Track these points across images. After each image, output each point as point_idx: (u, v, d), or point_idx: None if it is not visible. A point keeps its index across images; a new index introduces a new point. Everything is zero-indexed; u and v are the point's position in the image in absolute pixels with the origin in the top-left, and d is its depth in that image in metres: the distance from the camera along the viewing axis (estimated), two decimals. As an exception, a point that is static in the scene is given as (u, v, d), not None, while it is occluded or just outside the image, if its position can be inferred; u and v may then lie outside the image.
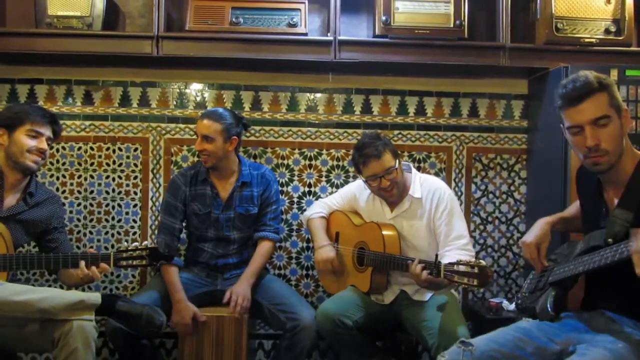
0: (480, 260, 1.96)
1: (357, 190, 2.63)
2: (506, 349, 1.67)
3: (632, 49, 2.74)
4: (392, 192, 2.39)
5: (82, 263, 2.11)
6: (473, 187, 3.05)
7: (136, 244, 2.18)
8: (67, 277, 2.26)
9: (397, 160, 2.37)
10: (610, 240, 1.53)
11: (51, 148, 2.38)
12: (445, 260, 2.13)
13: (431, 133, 3.04)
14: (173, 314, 2.42)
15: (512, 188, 3.06)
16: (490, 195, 3.06)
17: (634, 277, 1.37)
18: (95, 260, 2.14)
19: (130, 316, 2.14)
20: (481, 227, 3.06)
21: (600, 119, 1.62)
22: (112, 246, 2.95)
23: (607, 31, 2.72)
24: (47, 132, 2.25)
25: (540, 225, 1.90)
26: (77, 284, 2.17)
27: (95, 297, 2.05)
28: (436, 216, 2.38)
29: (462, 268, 1.97)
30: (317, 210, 2.69)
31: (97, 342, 2.04)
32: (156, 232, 2.94)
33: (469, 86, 3.05)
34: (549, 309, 1.72)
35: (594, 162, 1.66)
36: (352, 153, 2.44)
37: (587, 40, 2.71)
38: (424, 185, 2.45)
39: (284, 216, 3.00)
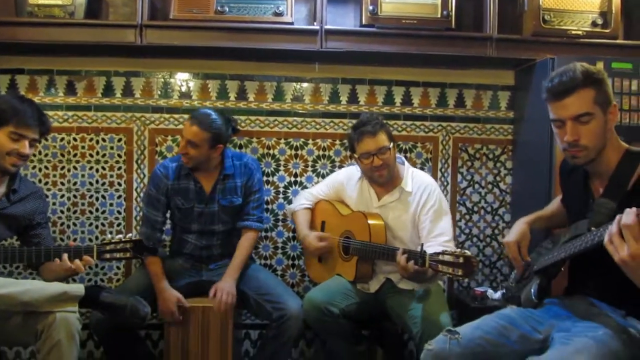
0: (465, 251, 1.97)
1: (344, 178, 2.63)
2: (491, 337, 1.68)
3: (618, 41, 2.75)
4: (383, 173, 2.40)
5: (65, 256, 2.07)
6: (459, 177, 3.06)
7: (120, 236, 2.15)
8: (49, 272, 2.21)
9: (392, 143, 2.39)
10: (593, 228, 1.54)
11: (39, 142, 2.29)
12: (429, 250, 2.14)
13: (417, 123, 3.04)
14: (158, 302, 2.41)
15: (498, 178, 3.08)
16: (476, 186, 3.07)
17: (613, 263, 1.39)
18: (79, 253, 2.10)
19: (115, 307, 2.12)
20: (467, 217, 3.07)
21: (582, 115, 1.63)
22: (97, 238, 2.92)
23: (594, 24, 2.73)
24: (32, 134, 2.12)
25: (519, 226, 1.95)
26: (60, 278, 2.13)
27: (78, 288, 2.03)
28: (422, 212, 2.39)
29: (447, 258, 1.98)
30: (301, 202, 2.69)
31: (81, 334, 2.02)
32: (141, 223, 2.92)
33: (456, 77, 3.05)
34: (533, 297, 1.74)
35: (572, 155, 1.68)
36: (349, 132, 2.47)
37: (574, 32, 2.72)
38: (415, 180, 2.46)
39: (269, 206, 2.99)
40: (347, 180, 2.61)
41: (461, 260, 1.95)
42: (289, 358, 2.80)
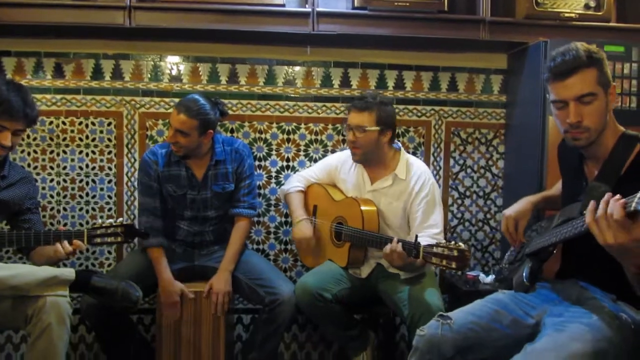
0: (460, 244, 1.94)
1: (337, 162, 2.62)
2: (483, 322, 1.69)
3: (611, 24, 2.74)
4: (356, 152, 2.40)
5: (58, 244, 2.05)
6: (451, 161, 3.06)
7: (110, 220, 2.13)
8: (39, 256, 2.19)
9: (379, 127, 2.36)
10: (585, 212, 1.54)
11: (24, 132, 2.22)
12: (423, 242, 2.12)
13: (410, 107, 3.02)
14: (160, 293, 2.40)
15: (490, 163, 3.07)
16: (469, 170, 3.07)
17: (604, 252, 1.39)
18: (69, 238, 2.08)
19: (106, 291, 2.11)
20: (459, 201, 3.07)
21: (586, 96, 1.61)
22: (87, 222, 2.89)
23: (586, 6, 2.72)
24: (15, 125, 2.05)
25: (523, 203, 1.94)
26: (51, 263, 2.12)
27: (69, 272, 2.02)
28: (415, 201, 2.37)
29: (441, 250, 1.96)
30: (294, 184, 2.68)
31: (72, 318, 2.01)
32: (132, 207, 2.90)
33: (449, 60, 3.03)
34: (525, 280, 1.74)
35: (574, 137, 1.66)
36: None
37: (566, 15, 2.70)
38: (411, 168, 2.43)
39: (262, 191, 2.97)
40: (341, 164, 2.60)
41: (455, 253, 1.93)
42: (282, 342, 2.81)
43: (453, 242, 1.96)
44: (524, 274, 1.75)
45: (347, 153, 2.61)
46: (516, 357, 1.53)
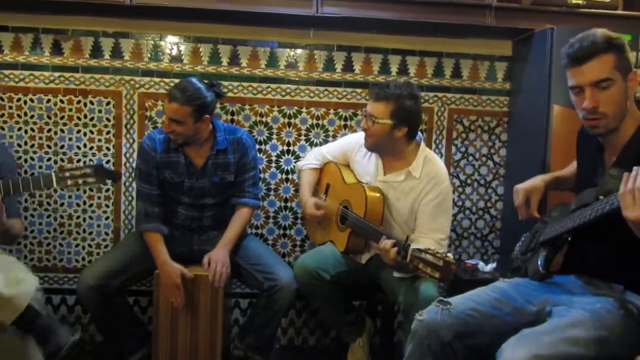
0: (448, 254, 1.89)
1: (356, 143, 2.52)
2: (484, 309, 1.68)
3: (618, 12, 2.70)
4: (367, 139, 2.34)
5: None
6: (453, 149, 3.03)
7: (80, 163, 2.04)
8: None
9: (392, 122, 2.25)
10: (601, 197, 1.51)
11: None
12: (415, 244, 2.06)
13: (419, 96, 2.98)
14: (160, 276, 2.37)
15: (492, 151, 3.05)
16: (470, 158, 3.05)
17: (613, 238, 1.37)
18: (36, 182, 2.01)
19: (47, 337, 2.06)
20: (460, 189, 3.05)
21: (602, 81, 1.59)
22: (84, 202, 2.87)
23: (594, -7, 2.68)
24: None
25: (535, 180, 1.93)
26: None
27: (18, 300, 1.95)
28: (423, 202, 2.29)
29: (428, 257, 1.90)
30: (311, 160, 2.65)
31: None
32: (130, 189, 2.87)
33: (453, 46, 2.99)
34: (540, 268, 1.72)
35: (591, 125, 1.64)
36: None
37: (573, 1, 2.66)
38: (426, 167, 2.32)
39: (262, 175, 2.94)
40: (358, 146, 2.50)
41: (441, 263, 1.86)
42: (279, 327, 2.80)
43: (442, 252, 1.91)
44: (540, 262, 1.73)
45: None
46: (512, 339, 1.51)
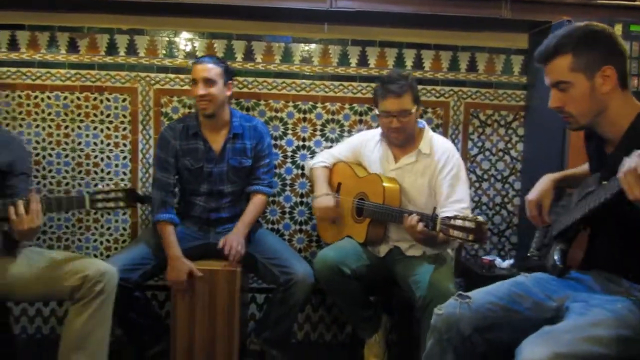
0: (478, 216, 1.92)
1: (363, 140, 2.59)
2: (503, 303, 1.66)
3: (637, 3, 2.65)
4: (399, 136, 2.37)
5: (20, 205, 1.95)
6: (470, 143, 3.01)
7: (112, 185, 2.09)
8: None
9: (417, 107, 2.35)
10: (605, 182, 1.49)
11: None
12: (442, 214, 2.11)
13: (428, 87, 2.96)
14: (169, 270, 2.39)
15: (509, 145, 3.02)
16: (487, 153, 3.02)
17: (632, 237, 1.34)
18: (71, 204, 2.05)
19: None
20: (477, 184, 3.03)
21: (559, 83, 1.58)
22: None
23: (612, -16, 2.64)
24: None
25: (544, 182, 1.89)
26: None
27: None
28: (440, 177, 2.35)
29: (458, 222, 1.94)
30: (320, 159, 2.67)
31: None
32: (146, 184, 2.89)
33: (469, 39, 2.96)
34: (558, 263, 1.70)
35: (565, 121, 1.65)
36: (376, 85, 2.43)
37: (591, -7, 2.63)
38: (435, 144, 2.41)
39: (277, 170, 2.94)
40: (366, 142, 2.57)
41: (473, 225, 1.90)
42: (295, 322, 2.81)
43: (471, 215, 1.94)
44: (556, 257, 1.71)
45: (372, 132, 2.60)
46: (532, 336, 1.49)
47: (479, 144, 3.01)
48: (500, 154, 3.03)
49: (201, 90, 2.41)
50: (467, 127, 3.00)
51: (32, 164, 2.43)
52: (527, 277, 1.79)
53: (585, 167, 1.96)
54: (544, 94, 2.74)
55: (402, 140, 2.40)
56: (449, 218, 1.98)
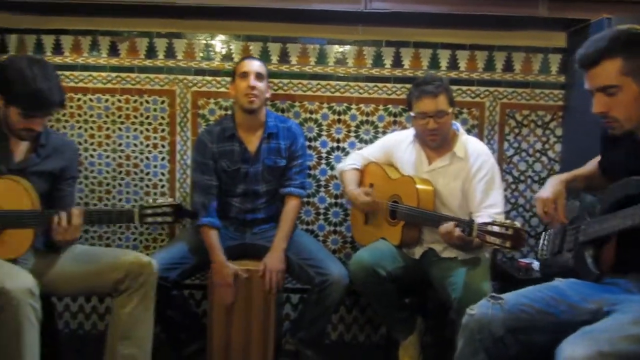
0: (515, 222, 1.89)
1: (395, 141, 2.59)
2: (537, 305, 1.64)
3: (681, -1, 2.59)
4: (436, 138, 2.36)
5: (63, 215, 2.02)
6: (506, 144, 2.97)
7: (160, 200, 2.13)
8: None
9: (452, 108, 2.35)
10: None
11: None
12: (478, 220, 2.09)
13: (464, 88, 2.94)
14: (213, 274, 2.43)
15: (547, 146, 2.97)
16: (523, 154, 2.98)
17: None
18: (119, 217, 2.13)
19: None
20: (513, 186, 2.99)
21: (608, 87, 1.55)
22: (141, 198, 2.95)
23: (654, -20, 2.57)
24: (48, 115, 2.07)
25: (554, 183, 1.84)
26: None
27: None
28: (474, 181, 2.32)
29: (495, 229, 1.92)
30: (350, 162, 2.67)
31: None
32: (184, 185, 2.95)
33: (505, 39, 2.93)
34: (593, 269, 1.67)
35: (607, 126, 1.62)
36: (410, 88, 2.43)
37: (632, -10, 2.57)
38: (470, 147, 2.38)
39: (311, 172, 2.96)
40: (398, 143, 2.57)
41: (510, 231, 1.88)
42: (329, 323, 2.82)
43: (508, 221, 1.91)
44: (589, 262, 1.68)
45: (405, 133, 2.59)
46: (572, 336, 1.47)
47: (515, 144, 2.97)
48: (538, 154, 2.98)
49: (253, 81, 2.46)
50: (503, 127, 2.96)
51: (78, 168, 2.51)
52: (562, 281, 1.76)
53: (590, 167, 1.93)
54: (583, 94, 2.70)
55: (438, 142, 2.38)
56: (486, 224, 1.96)
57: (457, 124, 2.47)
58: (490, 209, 2.27)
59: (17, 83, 1.94)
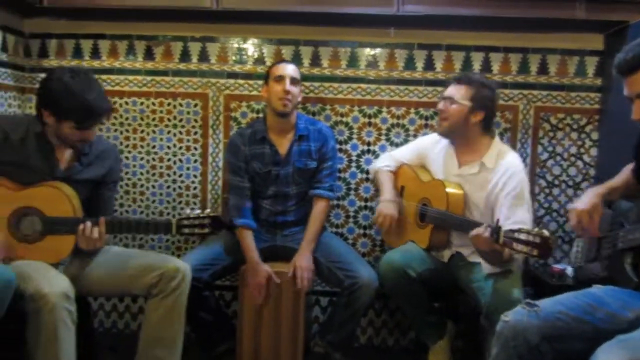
0: (544, 230, 1.82)
1: (428, 144, 2.58)
2: (574, 313, 1.62)
3: None
4: (442, 123, 2.37)
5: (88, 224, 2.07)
6: (540, 148, 2.92)
7: (198, 211, 2.13)
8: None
9: (470, 104, 2.30)
10: None
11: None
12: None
13: (497, 91, 2.90)
14: (248, 275, 2.46)
15: (582, 150, 2.91)
16: (558, 158, 2.92)
17: None
18: (156, 228, 2.15)
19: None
20: (547, 190, 2.94)
21: None
22: (174, 200, 3.01)
23: (695, -18, 2.50)
24: (98, 124, 2.13)
25: (591, 195, 1.80)
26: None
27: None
28: (501, 195, 2.24)
29: (522, 236, 1.85)
30: (385, 163, 2.67)
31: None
32: (215, 187, 2.98)
33: (539, 41, 2.88)
34: (634, 277, 1.63)
35: None
36: None
37: (672, -9, 2.50)
38: (500, 158, 2.31)
39: (341, 174, 2.97)
40: (431, 145, 2.55)
41: (538, 240, 1.80)
42: (358, 327, 2.82)
43: (536, 229, 1.85)
44: (628, 269, 1.64)
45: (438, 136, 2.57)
46: (607, 344, 1.45)
47: (550, 148, 2.92)
48: (573, 159, 2.92)
49: (288, 86, 2.49)
50: (537, 131, 2.91)
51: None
52: (600, 288, 1.73)
53: (624, 176, 1.89)
54: (620, 97, 2.64)
55: (443, 129, 2.38)
56: (513, 231, 1.90)
57: (494, 132, 2.43)
58: (516, 225, 2.12)
59: (66, 98, 1.97)
